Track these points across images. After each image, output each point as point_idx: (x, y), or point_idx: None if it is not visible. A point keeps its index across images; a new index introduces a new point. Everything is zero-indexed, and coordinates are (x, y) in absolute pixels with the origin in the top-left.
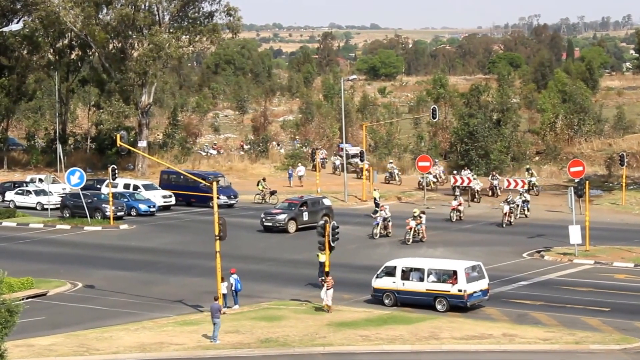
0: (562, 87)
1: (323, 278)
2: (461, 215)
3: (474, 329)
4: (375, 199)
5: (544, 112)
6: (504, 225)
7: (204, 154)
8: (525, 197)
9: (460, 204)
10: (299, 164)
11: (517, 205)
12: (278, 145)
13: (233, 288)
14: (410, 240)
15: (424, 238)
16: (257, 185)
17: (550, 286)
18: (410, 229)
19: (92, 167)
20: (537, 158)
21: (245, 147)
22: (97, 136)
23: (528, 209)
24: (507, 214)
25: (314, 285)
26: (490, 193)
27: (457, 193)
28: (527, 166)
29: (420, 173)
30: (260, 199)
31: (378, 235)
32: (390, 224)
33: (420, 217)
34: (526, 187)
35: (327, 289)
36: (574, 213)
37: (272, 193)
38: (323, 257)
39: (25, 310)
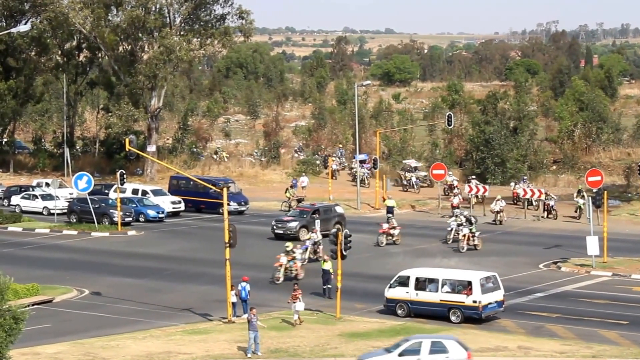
0: (580, 95)
1: (330, 286)
2: (395, 239)
3: (488, 341)
4: (388, 207)
5: (561, 120)
6: (462, 250)
7: (216, 157)
8: (469, 218)
9: (392, 228)
10: (303, 174)
11: (462, 226)
12: (297, 152)
13: (241, 296)
14: (281, 279)
15: (299, 275)
16: (285, 192)
17: (567, 298)
18: (281, 265)
19: (100, 172)
20: (554, 167)
21: (256, 154)
22: (106, 140)
23: (475, 236)
24: (467, 237)
25: (320, 294)
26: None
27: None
28: (580, 187)
29: (437, 182)
30: (287, 206)
31: (306, 259)
32: (321, 247)
33: (294, 253)
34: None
35: (294, 302)
36: (591, 224)
37: (299, 201)
38: (327, 265)
39: (31, 317)
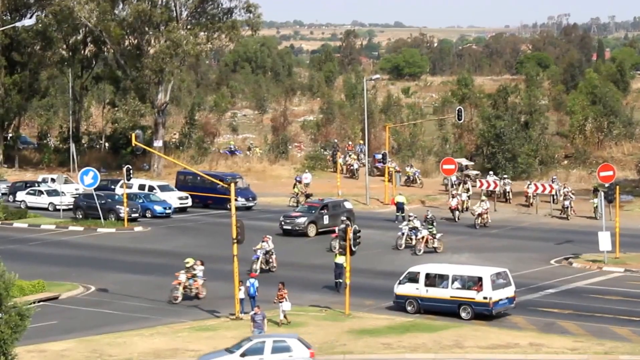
0: (593, 88)
1: (341, 281)
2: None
3: (499, 337)
4: (398, 203)
5: (573, 114)
6: (419, 253)
7: (229, 153)
8: (430, 219)
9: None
10: (306, 171)
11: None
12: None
13: (249, 293)
14: (179, 299)
15: (200, 294)
16: (293, 187)
17: (578, 294)
18: (179, 283)
19: (106, 167)
20: (565, 162)
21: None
22: (112, 135)
23: (436, 238)
24: (425, 239)
25: (332, 289)
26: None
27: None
28: (595, 185)
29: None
30: (295, 202)
31: (258, 270)
32: (274, 257)
33: (194, 270)
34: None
35: (280, 302)
36: (603, 219)
37: (308, 196)
38: (340, 259)
39: (37, 314)
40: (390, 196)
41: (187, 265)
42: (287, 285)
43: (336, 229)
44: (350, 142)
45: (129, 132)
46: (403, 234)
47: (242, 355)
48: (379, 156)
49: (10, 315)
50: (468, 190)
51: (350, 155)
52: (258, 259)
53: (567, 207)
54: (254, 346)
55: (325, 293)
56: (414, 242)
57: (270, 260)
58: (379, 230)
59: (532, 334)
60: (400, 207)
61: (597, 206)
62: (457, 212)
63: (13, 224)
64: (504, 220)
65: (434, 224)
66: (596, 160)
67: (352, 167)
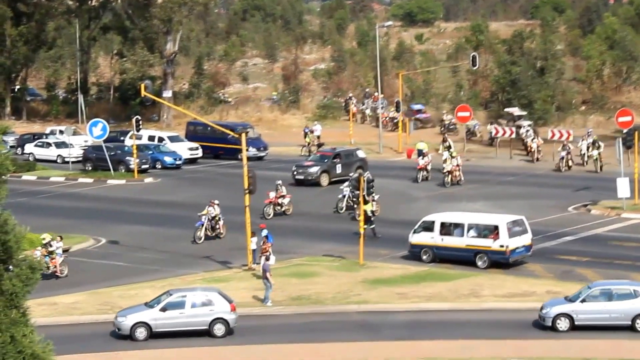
0: (611, 33)
1: (368, 227)
2: (285, 210)
3: (516, 286)
4: (418, 150)
5: (590, 59)
6: (358, 217)
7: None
8: (368, 180)
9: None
10: (316, 122)
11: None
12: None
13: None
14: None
15: (59, 273)
16: (305, 137)
17: (597, 241)
18: None
19: (115, 118)
20: (583, 107)
21: (275, 97)
22: (121, 86)
23: (374, 200)
24: None
25: (345, 238)
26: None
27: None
28: (595, 137)
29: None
30: (307, 151)
31: (202, 237)
32: (221, 223)
33: (51, 246)
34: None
35: (265, 255)
36: (622, 165)
37: (320, 145)
38: (367, 207)
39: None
40: (403, 145)
41: (44, 242)
42: (300, 235)
43: (270, 194)
44: (376, 93)
45: (138, 83)
46: (344, 196)
47: (162, 309)
48: (416, 107)
49: (22, 268)
50: (449, 147)
51: (385, 107)
52: (202, 225)
53: (564, 157)
54: (174, 300)
55: (339, 242)
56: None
57: (217, 226)
58: (393, 180)
59: (549, 281)
60: (420, 153)
61: (596, 159)
62: (353, 174)
63: (22, 177)
64: (519, 167)
65: (372, 185)
66: (614, 105)
67: (391, 119)
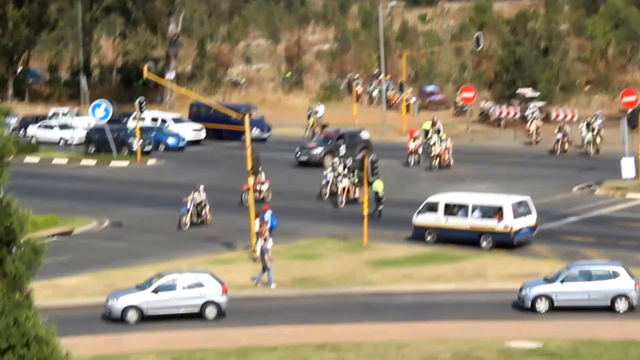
0: (616, 12)
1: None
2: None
3: (520, 267)
4: (425, 131)
5: (594, 39)
6: (340, 205)
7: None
8: (351, 167)
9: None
10: (319, 103)
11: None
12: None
13: (268, 225)
14: None
15: None
16: (308, 118)
17: (601, 222)
18: None
19: (118, 100)
20: (587, 88)
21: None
22: (123, 67)
23: (357, 187)
24: (346, 190)
25: (349, 220)
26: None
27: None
28: (589, 119)
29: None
30: (311, 132)
31: (187, 224)
32: (207, 208)
33: None
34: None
35: (263, 239)
36: (626, 145)
37: (324, 127)
38: (377, 186)
39: (51, 249)
40: (407, 125)
41: None
42: (304, 217)
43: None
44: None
45: (141, 64)
46: (327, 182)
47: (155, 291)
48: (430, 88)
49: (25, 251)
50: (439, 131)
51: (394, 89)
52: (188, 211)
53: (559, 139)
54: (166, 283)
55: (343, 224)
56: (338, 190)
57: (203, 212)
58: (397, 160)
59: (554, 262)
60: (427, 134)
61: (589, 142)
62: (336, 160)
63: (24, 159)
64: (523, 149)
65: (355, 171)
66: (619, 85)
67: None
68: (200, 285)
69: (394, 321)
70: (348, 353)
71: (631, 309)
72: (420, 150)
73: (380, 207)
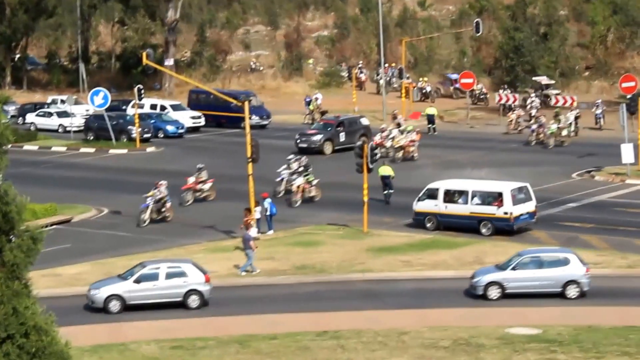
0: None
1: (387, 192)
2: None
3: None
4: (428, 115)
5: (594, 24)
6: (296, 205)
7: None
8: (306, 164)
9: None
10: (317, 91)
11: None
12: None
13: (268, 213)
14: None
15: None
16: (309, 105)
17: (601, 208)
18: None
19: (116, 87)
20: (586, 73)
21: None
22: (122, 54)
23: (313, 185)
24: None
25: (349, 206)
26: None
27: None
28: (556, 110)
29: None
30: (310, 119)
31: (147, 220)
32: (168, 205)
33: None
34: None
35: (245, 228)
36: (626, 131)
37: (323, 113)
38: (386, 171)
39: (50, 237)
40: (407, 111)
41: None
42: (304, 204)
43: (189, 179)
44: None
45: (140, 51)
46: (282, 179)
47: (136, 281)
48: (453, 76)
49: (23, 239)
50: (399, 125)
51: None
52: (147, 207)
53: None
54: (147, 272)
55: (343, 211)
56: (293, 188)
57: (163, 209)
58: None
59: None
60: (431, 119)
61: (552, 132)
62: (292, 156)
63: (23, 147)
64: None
65: (309, 169)
66: (618, 71)
67: (420, 89)
68: (182, 274)
69: (394, 308)
70: (348, 340)
71: (582, 295)
72: (387, 144)
73: (389, 192)
